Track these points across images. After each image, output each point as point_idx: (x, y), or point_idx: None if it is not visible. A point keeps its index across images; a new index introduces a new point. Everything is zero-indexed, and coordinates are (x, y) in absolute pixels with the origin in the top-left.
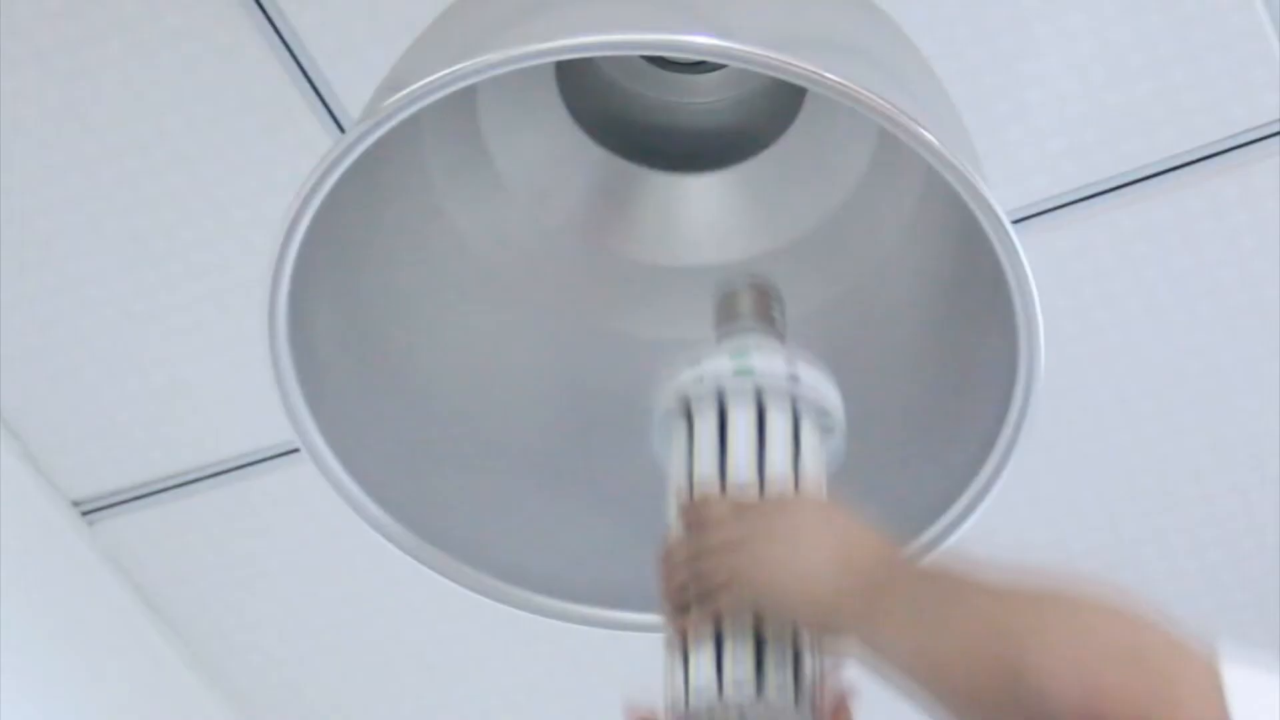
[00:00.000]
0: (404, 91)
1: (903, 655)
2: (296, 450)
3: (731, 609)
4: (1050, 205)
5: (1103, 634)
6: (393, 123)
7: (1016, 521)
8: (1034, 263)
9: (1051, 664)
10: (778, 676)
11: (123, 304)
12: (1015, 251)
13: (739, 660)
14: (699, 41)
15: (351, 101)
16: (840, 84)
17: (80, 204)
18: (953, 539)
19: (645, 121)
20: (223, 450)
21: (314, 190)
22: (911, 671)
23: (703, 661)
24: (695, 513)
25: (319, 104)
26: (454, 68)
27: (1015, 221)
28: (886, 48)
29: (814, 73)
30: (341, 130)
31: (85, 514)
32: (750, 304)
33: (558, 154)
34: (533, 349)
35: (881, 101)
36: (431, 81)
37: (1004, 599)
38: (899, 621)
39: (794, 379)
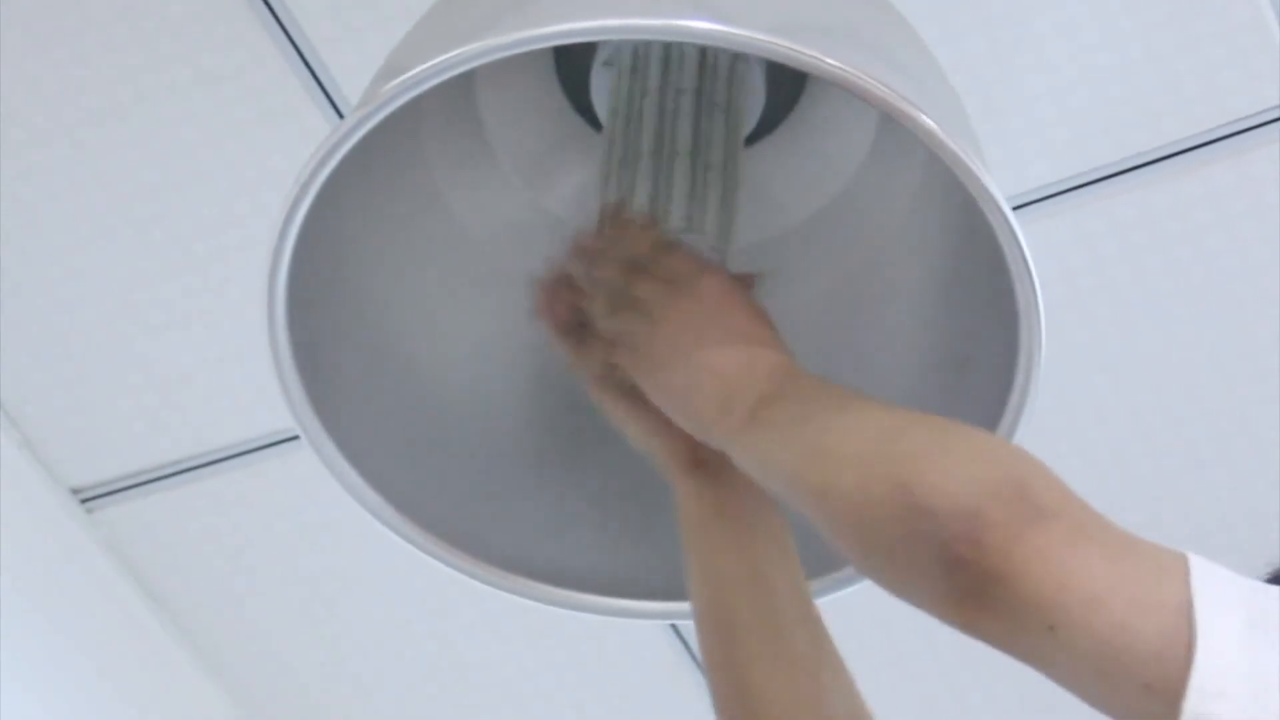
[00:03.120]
0: (402, 77)
1: (786, 462)
2: (295, 438)
3: (619, 361)
4: (1050, 192)
5: (996, 465)
6: (391, 108)
7: None
8: (1034, 249)
9: (942, 484)
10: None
11: (122, 292)
12: (1016, 238)
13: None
14: (698, 27)
15: (351, 89)
16: (841, 69)
17: (79, 193)
18: None
19: None
20: (222, 438)
21: (312, 177)
22: (793, 480)
23: (646, 133)
24: (618, 227)
25: (319, 91)
26: (452, 53)
27: (1015, 208)
28: (887, 34)
29: (814, 58)
30: (341, 118)
31: (84, 501)
32: None
33: (557, 141)
34: (534, 337)
35: (882, 87)
36: (430, 67)
37: (898, 416)
38: (784, 430)
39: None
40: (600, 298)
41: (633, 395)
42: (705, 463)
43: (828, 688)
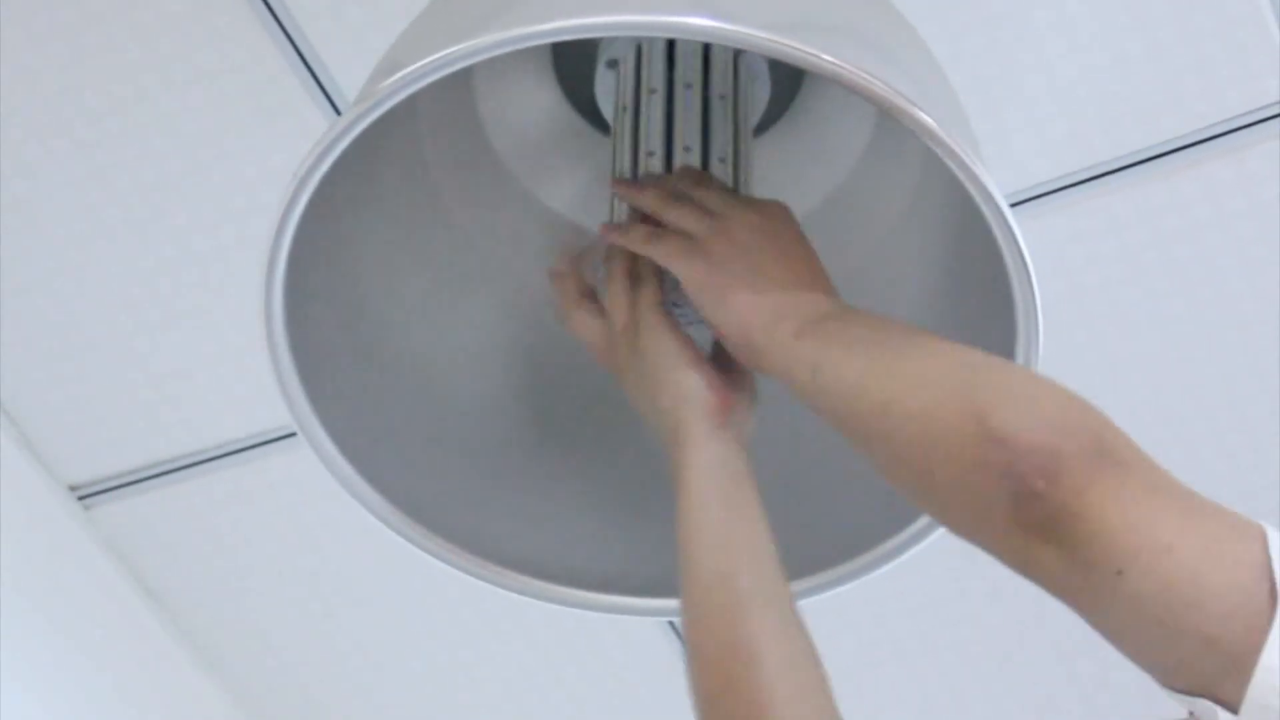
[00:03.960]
0: (400, 74)
1: (846, 376)
2: (293, 435)
3: (666, 260)
4: (1048, 189)
5: (1074, 409)
6: (388, 105)
7: None
8: (1032, 246)
9: (1020, 418)
10: (719, 147)
11: (119, 289)
12: (1013, 235)
13: (687, 128)
14: (697, 24)
15: (349, 86)
16: (838, 66)
17: (77, 190)
18: None
19: None
20: (219, 435)
21: (309, 174)
22: (853, 393)
23: (653, 130)
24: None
25: (316, 89)
26: (450, 50)
27: (1013, 205)
28: (885, 30)
29: (812, 55)
30: (338, 115)
31: (82, 499)
32: None
33: (557, 139)
34: (530, 334)
35: (880, 84)
36: (427, 63)
37: (971, 351)
38: (847, 346)
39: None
40: (662, 191)
41: (677, 329)
42: (730, 421)
43: (822, 671)
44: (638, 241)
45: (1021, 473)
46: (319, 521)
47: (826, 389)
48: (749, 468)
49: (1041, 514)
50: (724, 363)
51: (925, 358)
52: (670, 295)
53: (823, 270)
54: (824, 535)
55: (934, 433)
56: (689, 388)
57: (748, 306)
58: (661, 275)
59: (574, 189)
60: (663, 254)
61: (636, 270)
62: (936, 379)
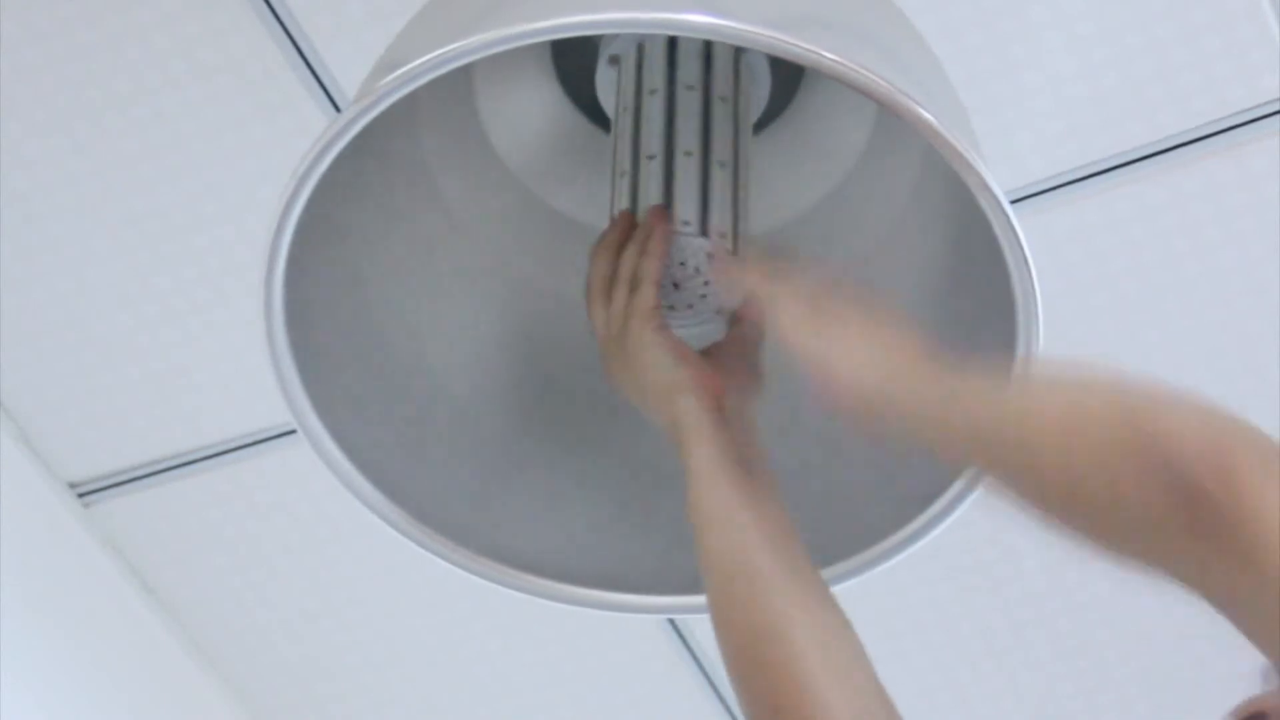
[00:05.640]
0: (399, 71)
1: (976, 402)
2: (293, 432)
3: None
4: (1048, 186)
5: (1233, 417)
6: (388, 103)
7: None
8: (1031, 243)
9: (1183, 423)
10: (720, 151)
11: (119, 286)
12: (1013, 232)
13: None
14: (696, 20)
15: (348, 83)
16: (838, 63)
17: (77, 187)
18: (949, 521)
19: None
20: (219, 432)
21: (309, 171)
22: (985, 417)
23: (654, 133)
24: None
25: (316, 86)
26: (449, 47)
27: (1013, 202)
28: (884, 27)
29: (812, 52)
30: (338, 112)
31: (81, 496)
32: None
33: (557, 136)
34: (531, 331)
35: (880, 81)
36: (427, 61)
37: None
38: (963, 379)
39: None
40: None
41: (664, 330)
42: (729, 407)
43: (858, 646)
44: (760, 277)
45: (1194, 474)
46: (319, 519)
47: (951, 412)
48: (758, 450)
49: (1212, 516)
50: (717, 354)
51: (1048, 381)
52: (669, 299)
53: (919, 333)
54: (824, 533)
55: (1083, 439)
56: (680, 383)
57: (851, 343)
58: (659, 282)
59: (574, 187)
60: (773, 293)
61: (633, 275)
62: (1073, 389)
